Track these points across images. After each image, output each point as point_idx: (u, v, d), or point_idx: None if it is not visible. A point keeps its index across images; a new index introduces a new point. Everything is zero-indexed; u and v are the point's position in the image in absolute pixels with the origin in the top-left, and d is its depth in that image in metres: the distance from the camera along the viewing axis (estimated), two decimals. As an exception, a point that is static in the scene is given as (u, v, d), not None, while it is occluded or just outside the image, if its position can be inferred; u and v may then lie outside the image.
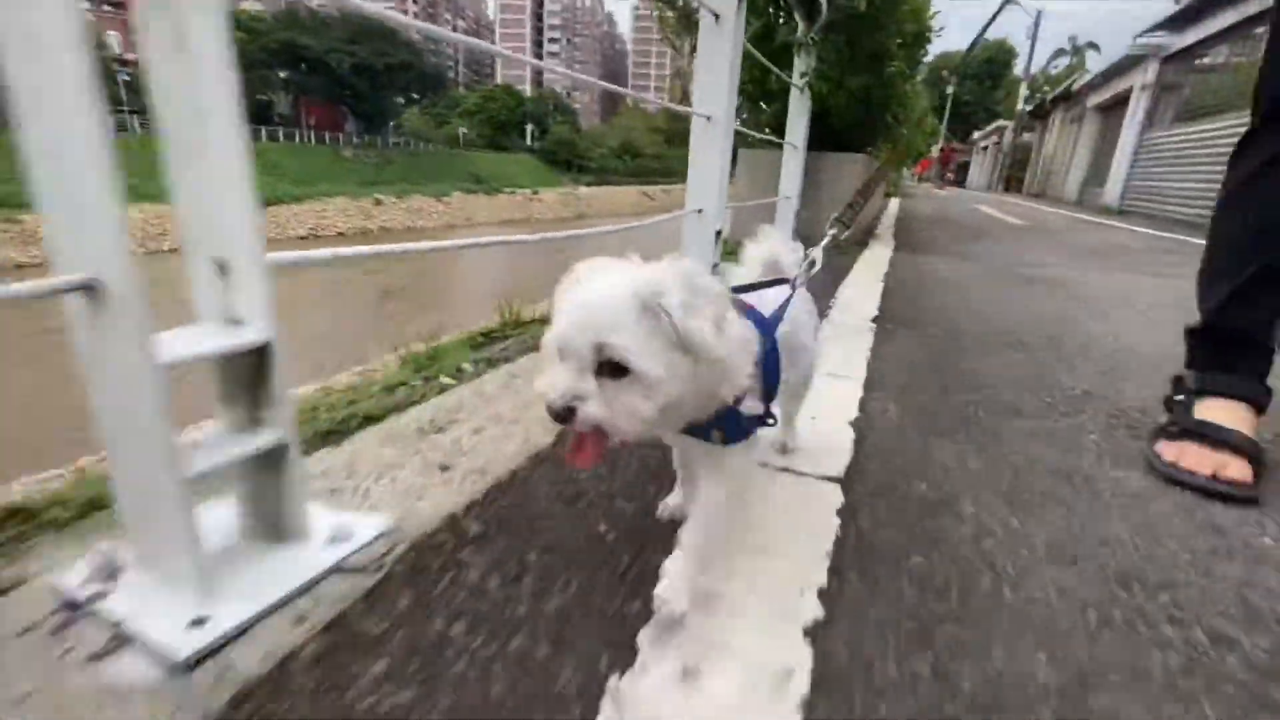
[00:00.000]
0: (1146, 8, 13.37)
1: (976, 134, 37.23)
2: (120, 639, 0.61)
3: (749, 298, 0.74)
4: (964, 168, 38.38)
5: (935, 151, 26.24)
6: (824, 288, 2.61)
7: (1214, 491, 0.93)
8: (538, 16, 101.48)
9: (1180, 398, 1.11)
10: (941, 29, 4.34)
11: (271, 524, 0.72)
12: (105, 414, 0.61)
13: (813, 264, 0.89)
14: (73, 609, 0.64)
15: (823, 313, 2.13)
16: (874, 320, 2.04)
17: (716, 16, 1.95)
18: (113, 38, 36.16)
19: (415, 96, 45.90)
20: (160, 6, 0.56)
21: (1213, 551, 0.83)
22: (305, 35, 36.22)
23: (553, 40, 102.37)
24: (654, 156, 56.05)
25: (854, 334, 1.85)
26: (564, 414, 0.55)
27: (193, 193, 0.62)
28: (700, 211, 2.00)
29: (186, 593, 0.63)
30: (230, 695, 0.56)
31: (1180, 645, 0.66)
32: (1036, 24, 25.13)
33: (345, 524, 0.76)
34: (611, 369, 0.55)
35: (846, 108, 3.70)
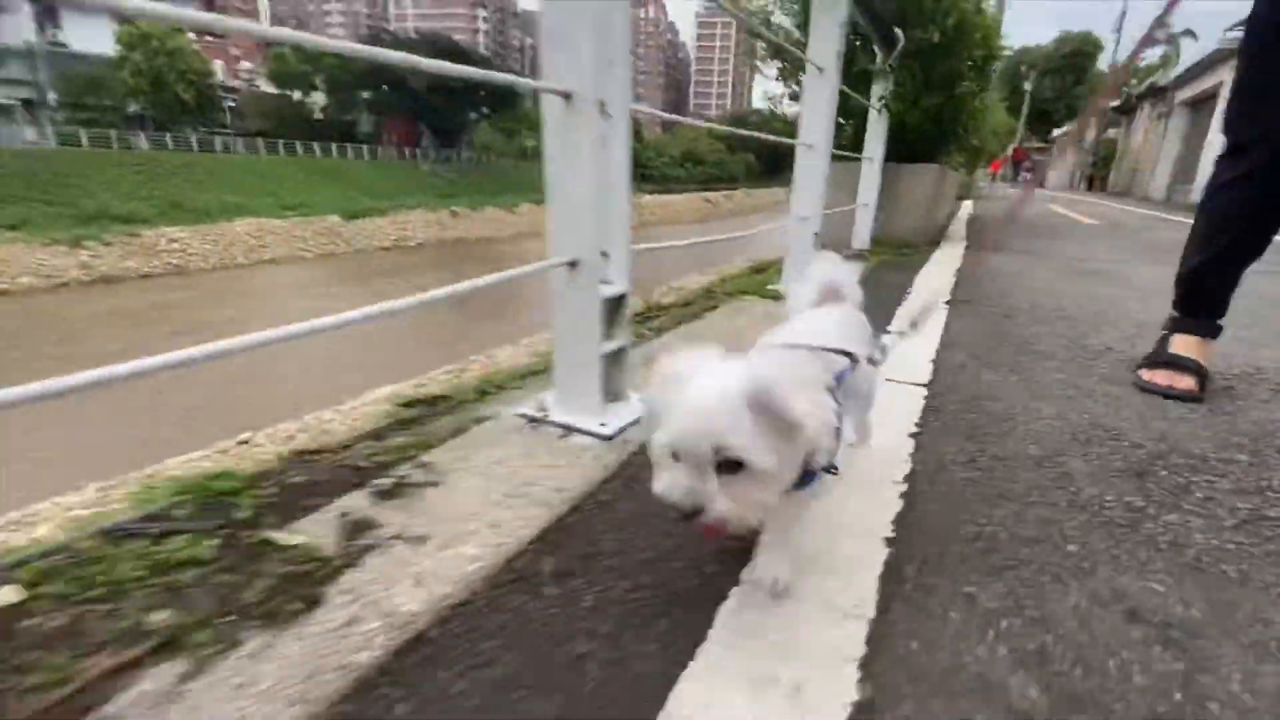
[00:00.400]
0: (1239, -2, 12.84)
1: (1057, 131, 35.79)
2: (568, 430, 1.26)
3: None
4: (1041, 167, 36.86)
5: (1011, 151, 25.56)
6: (905, 277, 3.14)
7: (1170, 395, 1.47)
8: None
9: (1163, 332, 1.67)
10: (1008, 48, 4.73)
11: (617, 389, 1.37)
12: (563, 328, 1.26)
13: (885, 349, 0.99)
14: (533, 422, 1.31)
15: (901, 297, 2.67)
16: (945, 301, 2.57)
17: (820, 69, 2.54)
18: (218, 66, 39.91)
19: (487, 111, 48.15)
20: (576, 114, 1.19)
21: (1148, 416, 1.36)
22: (388, 58, 38.80)
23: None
24: (715, 164, 56.40)
25: (931, 318, 2.39)
26: (694, 513, 0.60)
27: (572, 209, 1.27)
28: (805, 219, 2.60)
29: (594, 413, 1.28)
30: (630, 452, 1.20)
31: (1117, 446, 1.21)
32: (1122, 16, 24.14)
33: (646, 394, 1.40)
34: (729, 466, 0.60)
35: (920, 124, 4.19)
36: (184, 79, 30.55)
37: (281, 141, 32.12)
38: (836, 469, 0.73)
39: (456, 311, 11.55)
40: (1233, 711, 0.64)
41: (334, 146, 34.11)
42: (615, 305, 1.28)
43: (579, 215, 1.18)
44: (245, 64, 53.28)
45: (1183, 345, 1.61)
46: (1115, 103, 24.17)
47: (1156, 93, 19.79)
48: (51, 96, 29.92)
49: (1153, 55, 30.95)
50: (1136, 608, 0.79)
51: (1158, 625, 0.76)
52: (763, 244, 3.96)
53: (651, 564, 0.86)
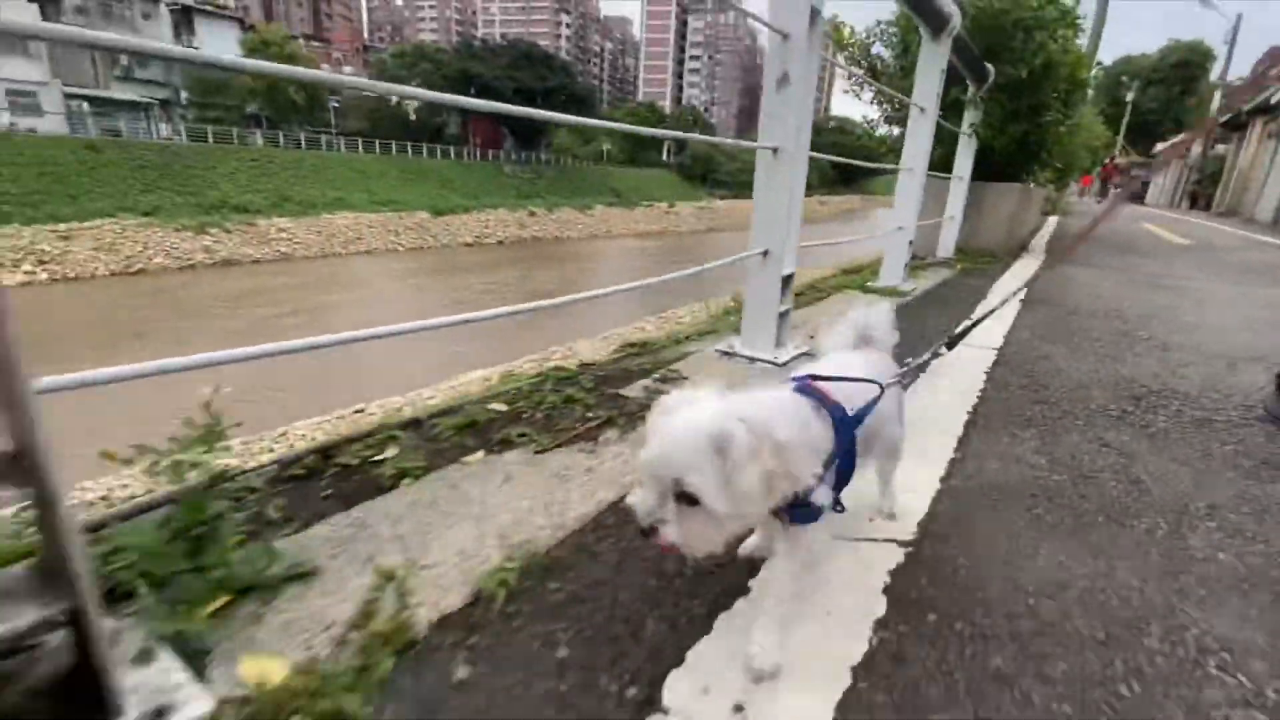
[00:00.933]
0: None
1: (1160, 145, 33.96)
2: (752, 360, 1.96)
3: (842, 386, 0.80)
4: (1142, 183, 35.01)
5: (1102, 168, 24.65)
6: (984, 282, 3.68)
7: None
8: (681, 35, 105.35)
9: None
10: (1097, 71, 5.09)
11: (783, 337, 2.04)
12: (752, 295, 1.95)
13: (903, 374, 0.99)
14: (726, 355, 2.01)
15: (979, 299, 3.23)
16: (1020, 301, 3.13)
17: (922, 110, 3.15)
18: (324, 69, 43.07)
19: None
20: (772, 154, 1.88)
21: (1159, 371, 1.93)
22: (477, 63, 41.06)
23: (694, 58, 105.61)
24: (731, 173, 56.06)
25: (996, 321, 2.96)
26: (648, 531, 0.66)
27: (768, 219, 1.95)
28: (902, 229, 3.21)
29: (770, 351, 1.97)
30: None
31: (1128, 385, 1.80)
32: (1236, 28, 22.90)
33: (798, 344, 2.08)
34: (688, 498, 0.64)
35: (1006, 148, 4.67)
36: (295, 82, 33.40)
37: (378, 141, 34.45)
38: (843, 507, 0.78)
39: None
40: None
41: (424, 147, 36.27)
42: (787, 280, 1.97)
43: (773, 223, 1.87)
44: (348, 68, 57.21)
45: None
46: (1225, 117, 22.95)
47: (1269, 109, 18.73)
48: (184, 96, 33.31)
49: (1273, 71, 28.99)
50: (1108, 442, 1.41)
51: (1118, 450, 1.38)
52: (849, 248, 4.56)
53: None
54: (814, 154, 1.98)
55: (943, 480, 1.24)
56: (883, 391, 0.85)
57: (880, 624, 0.83)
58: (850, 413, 0.78)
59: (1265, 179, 17.74)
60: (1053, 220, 10.71)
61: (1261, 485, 1.28)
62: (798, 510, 0.72)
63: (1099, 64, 5.00)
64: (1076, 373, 1.94)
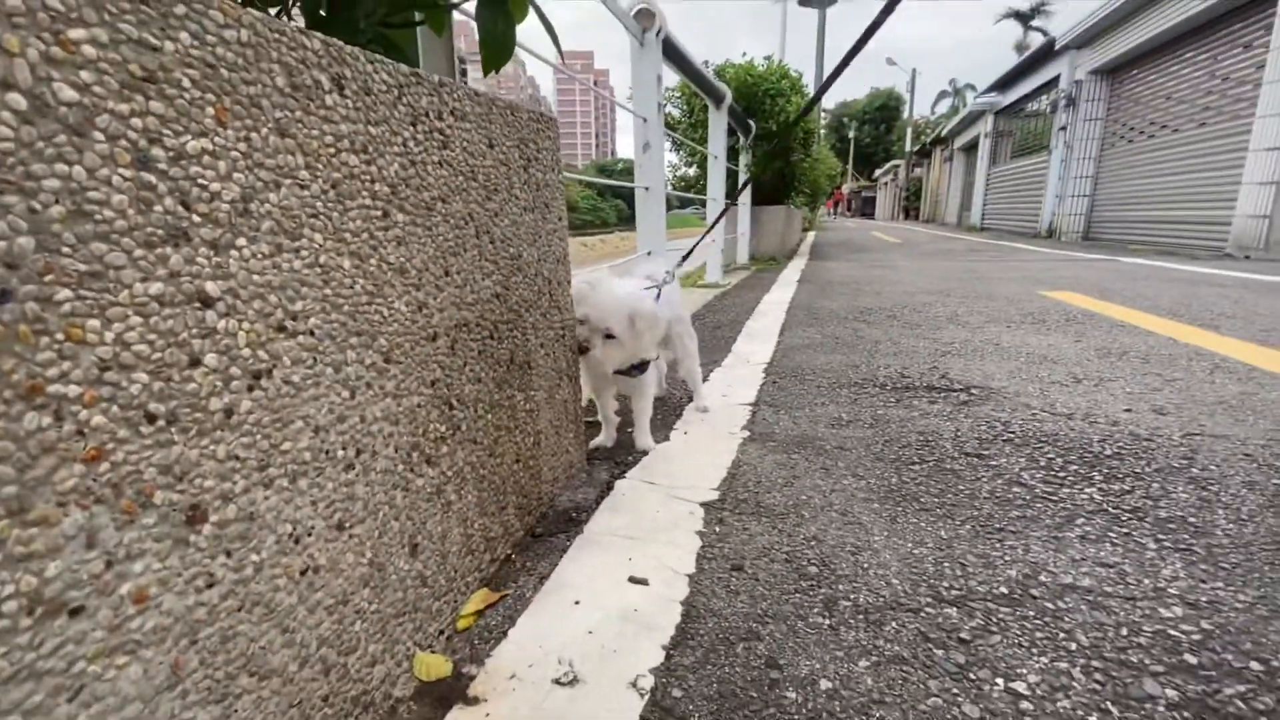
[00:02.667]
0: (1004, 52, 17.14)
1: (878, 171, 42.46)
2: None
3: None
4: (870, 201, 43.36)
5: (846, 190, 30.40)
6: (774, 275, 5.19)
7: None
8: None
9: None
10: (825, 119, 7.14)
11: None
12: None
13: (671, 275, 1.55)
14: (633, 323, 3.05)
15: (773, 283, 4.67)
16: (797, 281, 4.62)
17: (716, 156, 4.55)
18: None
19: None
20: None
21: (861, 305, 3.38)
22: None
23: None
24: (589, 210, 59.32)
25: (788, 285, 4.40)
26: (584, 348, 1.19)
27: (648, 230, 3.06)
28: (715, 241, 4.56)
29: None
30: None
31: (852, 307, 3.19)
32: (913, 81, 29.93)
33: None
34: (607, 336, 1.20)
35: (771, 180, 6.41)
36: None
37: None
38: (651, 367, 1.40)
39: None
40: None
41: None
42: (663, 270, 3.07)
43: (652, 233, 2.97)
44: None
45: None
46: (916, 148, 29.73)
47: (942, 141, 24.96)
48: None
49: (944, 107, 38.09)
50: (852, 328, 2.71)
51: (854, 328, 2.67)
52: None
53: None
54: (677, 193, 3.14)
55: (774, 351, 2.40)
56: (664, 284, 1.46)
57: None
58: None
59: (948, 193, 23.60)
60: (812, 234, 13.50)
61: (912, 339, 2.63)
62: (639, 367, 1.33)
63: (825, 111, 7.01)
64: (833, 306, 3.30)
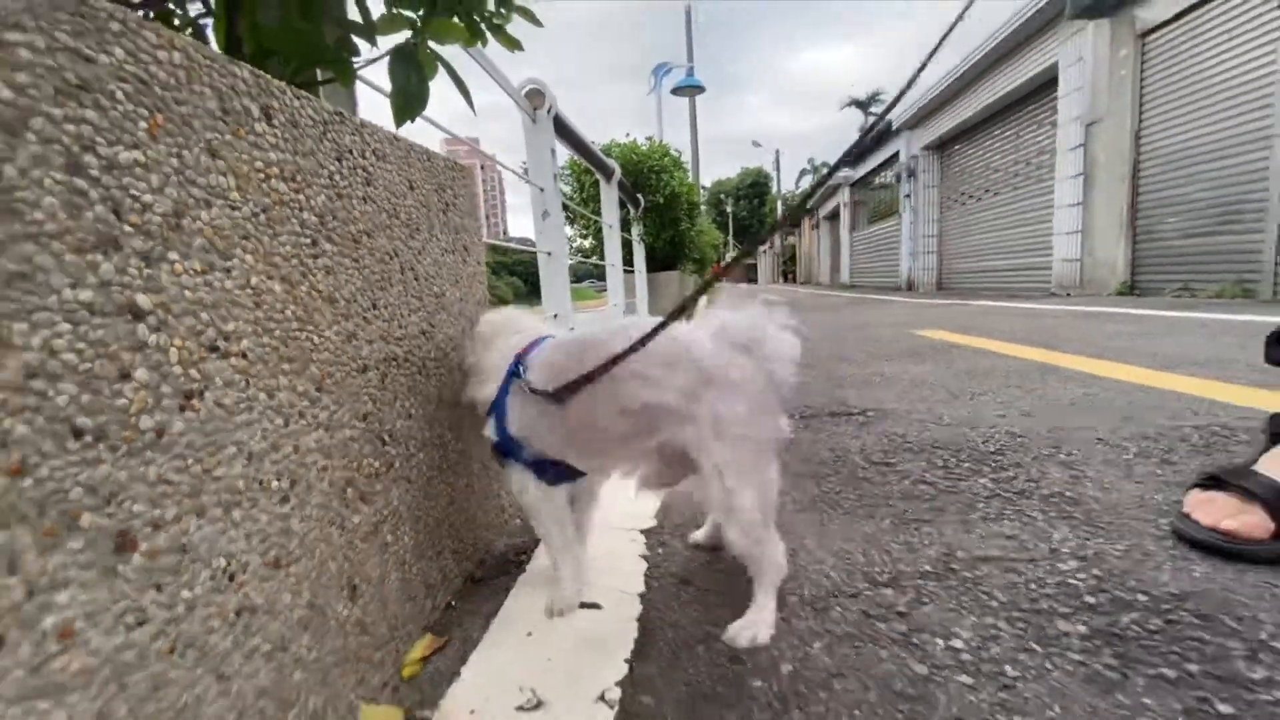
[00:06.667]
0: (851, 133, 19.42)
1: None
2: (562, 383, 3.03)
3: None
4: (752, 268, 46.52)
5: (728, 258, 32.60)
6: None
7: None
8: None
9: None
10: (705, 196, 7.70)
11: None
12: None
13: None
14: (544, 385, 3.04)
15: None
16: (696, 338, 4.82)
17: (610, 225, 4.76)
18: None
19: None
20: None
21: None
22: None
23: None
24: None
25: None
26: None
27: (553, 293, 3.12)
28: (619, 303, 4.70)
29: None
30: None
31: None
32: (777, 160, 33.11)
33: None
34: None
35: (664, 248, 6.76)
36: None
37: None
38: None
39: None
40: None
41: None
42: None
43: (557, 296, 3.02)
44: None
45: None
46: (785, 220, 32.58)
47: (809, 211, 27.57)
48: None
49: (806, 182, 42.37)
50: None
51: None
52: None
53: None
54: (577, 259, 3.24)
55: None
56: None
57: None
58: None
59: (819, 257, 25.89)
60: (704, 298, 14.23)
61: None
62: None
63: (704, 188, 7.61)
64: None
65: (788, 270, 34.45)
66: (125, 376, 0.44)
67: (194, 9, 0.89)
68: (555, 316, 3.04)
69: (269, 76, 0.61)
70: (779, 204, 35.70)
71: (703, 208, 8.78)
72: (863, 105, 36.63)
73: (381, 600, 0.72)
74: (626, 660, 0.71)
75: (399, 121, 0.99)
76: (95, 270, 0.42)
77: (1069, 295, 7.50)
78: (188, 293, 0.49)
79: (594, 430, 0.78)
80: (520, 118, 3.05)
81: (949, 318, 5.16)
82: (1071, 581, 0.83)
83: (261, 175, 0.59)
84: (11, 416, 0.36)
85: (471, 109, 1.15)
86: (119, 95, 0.45)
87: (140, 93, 0.47)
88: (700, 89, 13.87)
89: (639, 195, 6.18)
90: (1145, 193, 6.99)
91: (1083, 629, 0.72)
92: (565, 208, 6.09)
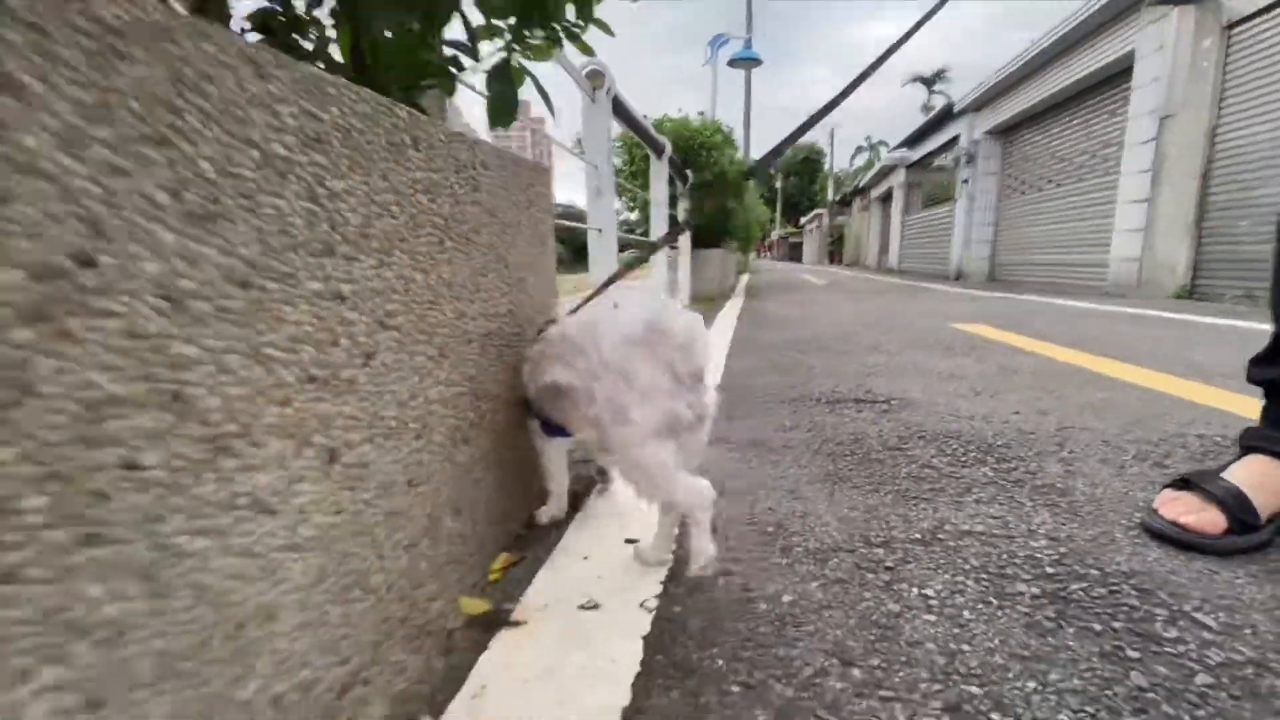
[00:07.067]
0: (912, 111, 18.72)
1: (804, 219, 45.00)
2: (605, 354, 3.23)
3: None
4: (796, 247, 45.72)
5: (775, 236, 31.98)
6: (713, 311, 5.53)
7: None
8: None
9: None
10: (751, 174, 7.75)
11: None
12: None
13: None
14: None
15: (712, 319, 4.99)
16: (736, 317, 4.95)
17: (659, 203, 4.88)
18: None
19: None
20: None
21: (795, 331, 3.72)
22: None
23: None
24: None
25: (728, 320, 4.72)
26: None
27: (601, 267, 3.29)
28: (663, 282, 4.85)
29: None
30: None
31: (791, 338, 3.51)
32: (832, 137, 32.18)
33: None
34: None
35: (708, 225, 6.83)
36: None
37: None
38: None
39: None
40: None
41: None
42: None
43: (605, 269, 3.20)
44: None
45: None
46: (837, 198, 31.78)
47: (861, 191, 26.88)
48: None
49: (860, 160, 41.12)
50: (786, 354, 2.99)
51: (792, 355, 2.96)
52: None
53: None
54: (626, 235, 3.40)
55: (721, 375, 2.64)
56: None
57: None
58: None
59: (867, 238, 25.34)
60: (746, 276, 14.19)
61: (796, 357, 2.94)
62: None
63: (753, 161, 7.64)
64: (771, 338, 3.61)
65: (834, 251, 33.77)
66: (334, 343, 0.63)
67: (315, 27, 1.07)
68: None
69: (416, 112, 0.79)
70: (830, 182, 34.82)
71: (751, 185, 8.76)
72: (927, 82, 35.17)
73: (474, 521, 0.93)
74: (661, 582, 0.90)
75: (493, 125, 1.17)
76: (322, 269, 0.61)
77: (1123, 296, 7.31)
78: (368, 283, 0.69)
79: (545, 401, 1.00)
80: (577, 95, 3.19)
81: (994, 312, 5.16)
82: (1038, 556, 0.98)
83: (410, 191, 0.77)
84: (284, 368, 0.56)
85: (551, 114, 1.31)
86: (334, 141, 0.63)
87: (345, 139, 0.65)
88: (757, 61, 13.62)
89: (687, 171, 6.25)
90: (1216, 193, 6.71)
91: (1035, 590, 0.88)
92: (616, 182, 6.22)
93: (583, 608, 0.83)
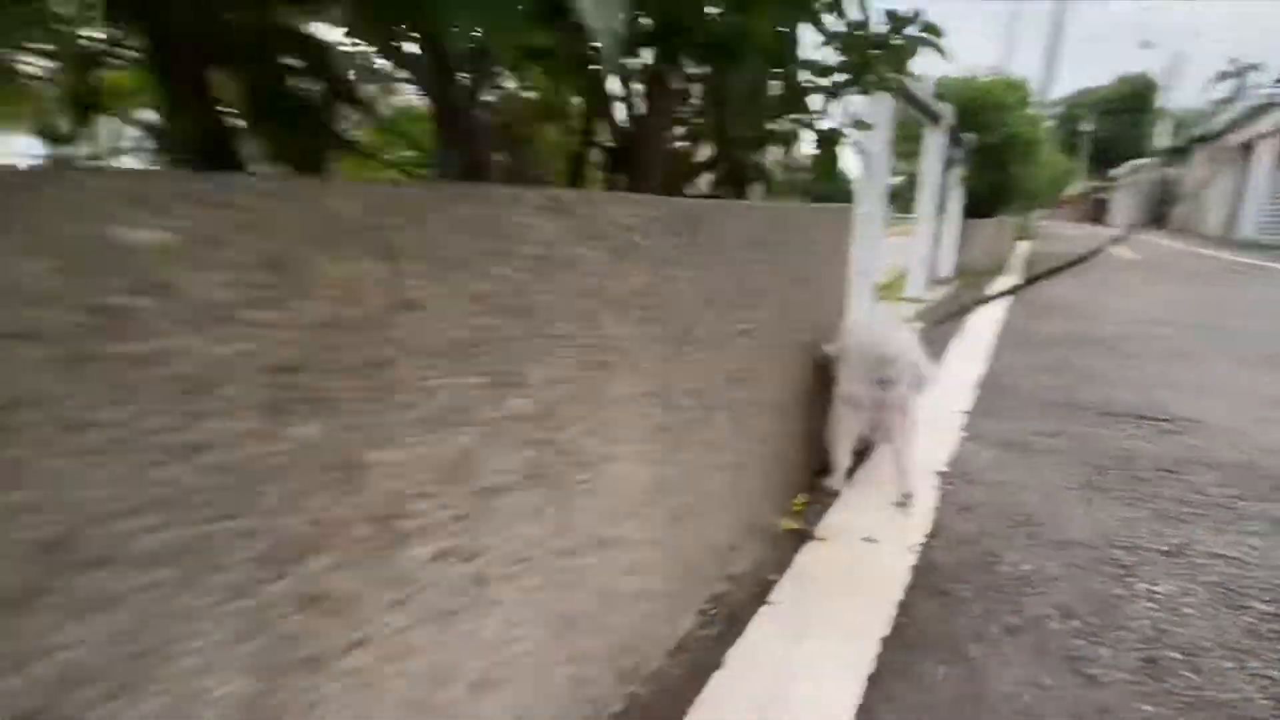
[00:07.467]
0: None
1: (1113, 171, 36.74)
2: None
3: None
4: (1101, 204, 37.71)
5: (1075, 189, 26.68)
6: (977, 291, 5.24)
7: None
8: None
9: None
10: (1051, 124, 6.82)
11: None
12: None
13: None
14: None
15: (980, 294, 4.75)
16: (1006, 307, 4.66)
17: (928, 177, 4.75)
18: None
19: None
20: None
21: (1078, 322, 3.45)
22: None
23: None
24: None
25: (996, 304, 4.49)
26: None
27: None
28: (924, 255, 4.77)
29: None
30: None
31: (1064, 326, 3.31)
32: (1173, 68, 25.52)
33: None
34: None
35: (984, 191, 6.32)
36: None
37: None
38: None
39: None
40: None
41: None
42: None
43: (864, 257, 3.38)
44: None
45: None
46: (1172, 145, 25.38)
47: (1209, 137, 21.08)
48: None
49: (1222, 91, 31.66)
50: (1061, 354, 2.90)
51: (1063, 353, 2.86)
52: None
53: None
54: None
55: (983, 370, 2.71)
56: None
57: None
58: None
59: (1208, 199, 19.96)
60: (1024, 245, 12.44)
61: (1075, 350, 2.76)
62: None
63: (1052, 107, 6.71)
64: (1047, 331, 3.44)
65: (1161, 214, 27.19)
66: (602, 366, 1.09)
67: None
68: (860, 275, 3.41)
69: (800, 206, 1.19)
70: (1165, 124, 27.89)
71: (1045, 142, 7.72)
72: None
73: (785, 470, 1.37)
74: (925, 534, 1.25)
75: (815, 179, 1.54)
76: (599, 326, 1.06)
77: None
78: (627, 337, 1.13)
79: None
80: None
81: (1379, 317, 4.05)
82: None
83: (791, 253, 1.19)
84: (539, 402, 1.03)
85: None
86: (612, 234, 1.07)
87: (606, 237, 1.08)
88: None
89: (963, 135, 5.83)
90: None
91: (1269, 610, 1.03)
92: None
93: (865, 540, 1.22)
